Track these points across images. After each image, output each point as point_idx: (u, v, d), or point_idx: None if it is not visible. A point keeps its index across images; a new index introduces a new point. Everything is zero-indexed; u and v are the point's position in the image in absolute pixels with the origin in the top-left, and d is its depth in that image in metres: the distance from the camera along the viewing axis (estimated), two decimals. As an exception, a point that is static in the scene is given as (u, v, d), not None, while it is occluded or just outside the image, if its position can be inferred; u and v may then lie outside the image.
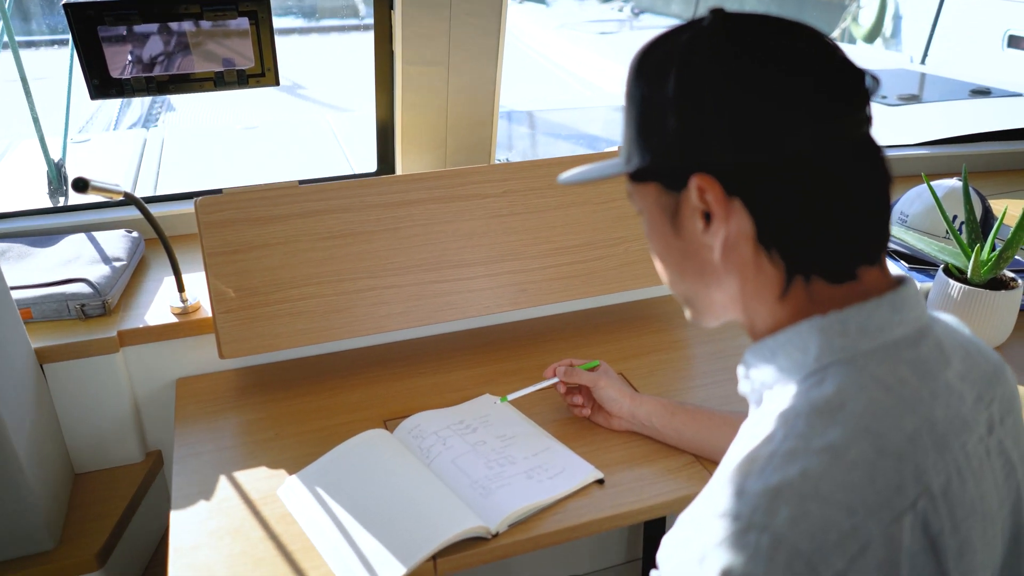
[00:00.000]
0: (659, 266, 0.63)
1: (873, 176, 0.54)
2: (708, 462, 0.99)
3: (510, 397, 1.03)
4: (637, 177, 0.60)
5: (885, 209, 0.55)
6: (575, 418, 1.08)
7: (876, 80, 0.54)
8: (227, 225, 1.07)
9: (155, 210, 1.35)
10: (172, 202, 1.44)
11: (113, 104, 5.16)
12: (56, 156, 1.48)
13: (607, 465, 0.98)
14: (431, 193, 1.16)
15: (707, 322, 0.63)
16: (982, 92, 4.58)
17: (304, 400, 1.13)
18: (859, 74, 0.53)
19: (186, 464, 0.99)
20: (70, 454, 1.15)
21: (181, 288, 1.17)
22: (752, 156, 0.52)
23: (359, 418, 1.09)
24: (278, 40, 1.11)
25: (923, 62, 5.49)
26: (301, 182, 1.11)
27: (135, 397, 1.18)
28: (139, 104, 5.48)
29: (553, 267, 1.23)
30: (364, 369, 1.20)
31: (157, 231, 1.11)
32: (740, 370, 0.61)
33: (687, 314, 0.64)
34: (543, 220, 1.22)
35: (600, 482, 0.95)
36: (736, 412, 0.97)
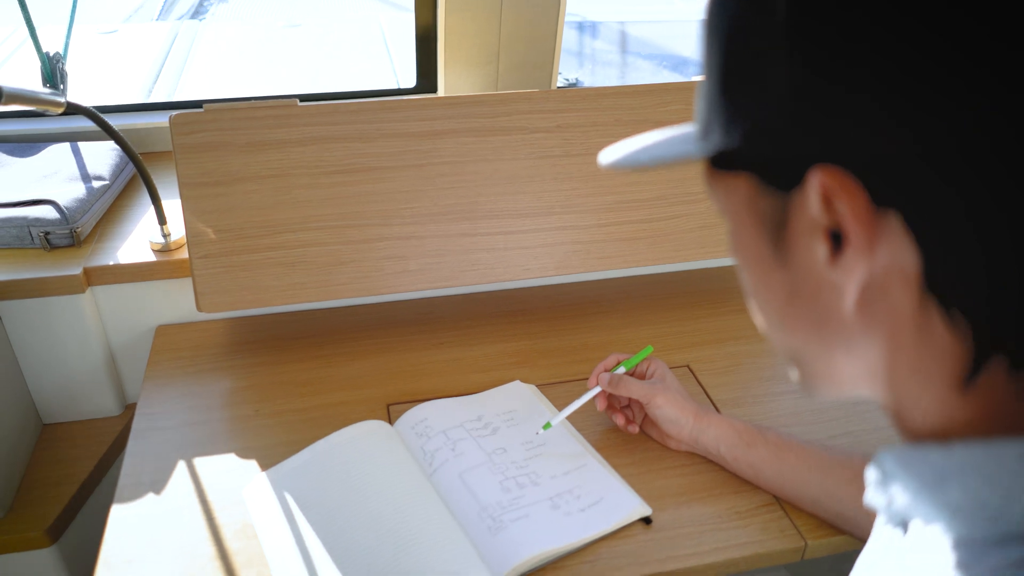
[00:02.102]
0: (753, 303, 0.40)
1: None
2: (793, 508, 0.77)
3: (553, 422, 0.82)
4: (720, 163, 0.37)
5: None
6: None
7: None
8: (208, 149, 0.88)
9: (142, 121, 1.16)
10: (159, 111, 1.24)
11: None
12: (54, 48, 1.28)
13: (657, 496, 0.78)
14: (466, 122, 0.93)
15: (823, 393, 0.40)
16: None
17: (296, 368, 0.95)
18: None
19: (143, 442, 0.83)
20: (36, 403, 1.01)
21: (162, 220, 0.99)
22: (932, 141, 0.29)
23: (358, 398, 0.90)
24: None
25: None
26: (303, 98, 0.90)
27: (109, 344, 1.02)
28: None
29: (614, 225, 1.00)
30: (371, 332, 1.01)
31: (124, 148, 0.93)
32: (872, 474, 0.39)
33: (793, 375, 0.42)
34: (605, 166, 0.98)
35: (647, 521, 0.75)
36: (842, 452, 0.75)
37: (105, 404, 1.04)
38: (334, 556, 0.69)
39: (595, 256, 1.00)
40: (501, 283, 1.08)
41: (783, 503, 0.77)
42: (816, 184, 0.31)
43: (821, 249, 0.33)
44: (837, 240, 0.33)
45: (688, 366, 0.97)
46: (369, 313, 1.05)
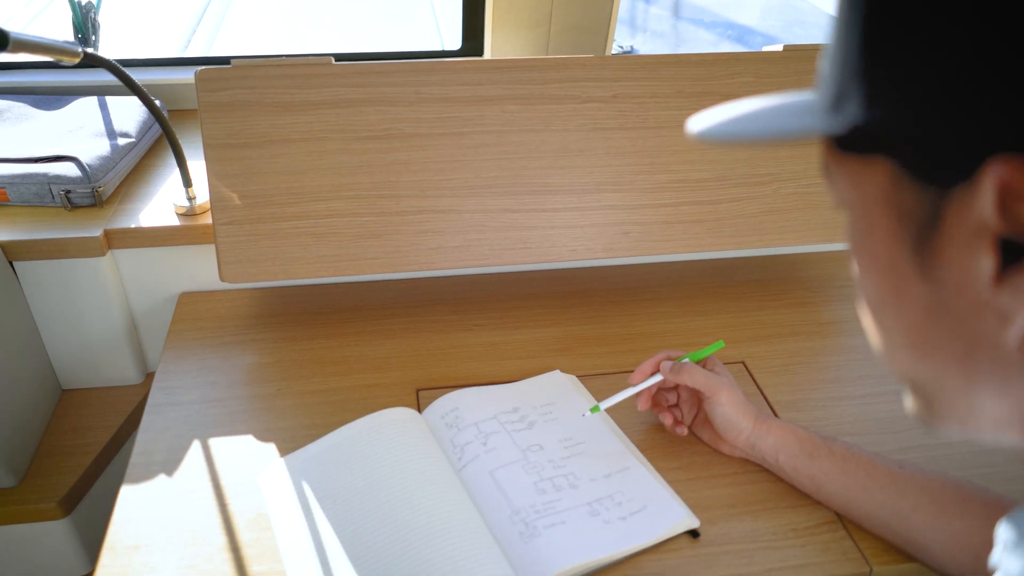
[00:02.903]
0: (868, 318, 0.34)
1: None
2: (857, 528, 0.70)
3: (603, 406, 0.76)
4: (851, 143, 0.30)
5: None
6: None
7: None
8: (235, 109, 0.82)
9: (171, 76, 1.12)
10: (188, 66, 1.19)
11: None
12: (85, -4, 1.23)
13: (706, 506, 0.71)
14: (513, 89, 0.86)
15: (949, 431, 0.33)
16: None
17: (321, 346, 0.90)
18: None
19: (158, 417, 0.79)
20: (55, 367, 0.98)
21: (187, 182, 0.94)
22: None
23: (386, 380, 0.85)
24: None
25: None
26: (339, 58, 0.84)
27: (131, 310, 0.99)
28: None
29: (669, 206, 0.92)
30: (402, 311, 0.96)
31: (145, 101, 0.88)
32: (1006, 533, 0.32)
33: (910, 404, 0.35)
34: (664, 140, 0.91)
35: (694, 534, 0.69)
36: (917, 470, 0.67)
37: (126, 372, 1.01)
38: (351, 554, 0.64)
39: (647, 239, 0.93)
40: (544, 264, 1.02)
41: (846, 522, 0.71)
42: (994, 180, 0.25)
43: (986, 262, 0.26)
44: (1010, 253, 0.26)
45: (743, 363, 0.90)
46: (401, 290, 1.00)
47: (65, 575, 0.94)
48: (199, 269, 0.97)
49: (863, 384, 0.88)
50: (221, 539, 0.67)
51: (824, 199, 0.96)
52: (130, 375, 1.01)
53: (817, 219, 0.97)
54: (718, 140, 0.32)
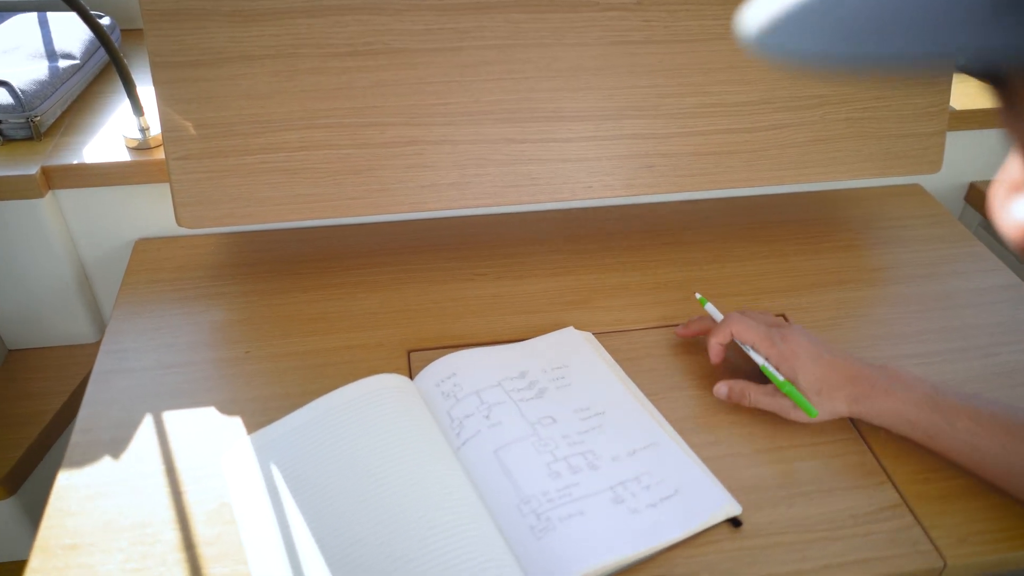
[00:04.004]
0: None
1: None
2: (928, 517, 0.60)
3: (709, 306, 0.73)
4: None
5: None
6: (699, 377, 0.70)
7: None
8: (185, 19, 0.69)
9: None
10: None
11: None
12: None
13: (748, 489, 0.62)
14: (519, -6, 0.73)
15: None
16: None
17: (298, 300, 0.79)
18: None
19: (105, 387, 0.69)
20: (-2, 324, 0.87)
21: (139, 110, 0.82)
22: None
23: (372, 340, 0.75)
24: None
25: None
26: (309, -44, 0.71)
27: (81, 259, 0.88)
28: None
29: (700, 135, 0.80)
30: (391, 259, 0.85)
31: (83, 15, 0.75)
32: None
33: None
34: (695, 57, 0.78)
35: (735, 523, 0.59)
36: None
37: (79, 328, 0.90)
38: (328, 553, 0.54)
39: (674, 173, 0.81)
40: (555, 203, 0.91)
41: (913, 506, 0.61)
42: None
43: None
44: None
45: (784, 316, 0.80)
46: (389, 235, 0.89)
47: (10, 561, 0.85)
48: (157, 212, 0.85)
49: (924, 340, 0.77)
50: (175, 535, 0.57)
51: (879, 127, 0.84)
52: (84, 332, 0.90)
53: (869, 150, 0.85)
54: (799, 57, 0.19)
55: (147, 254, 0.85)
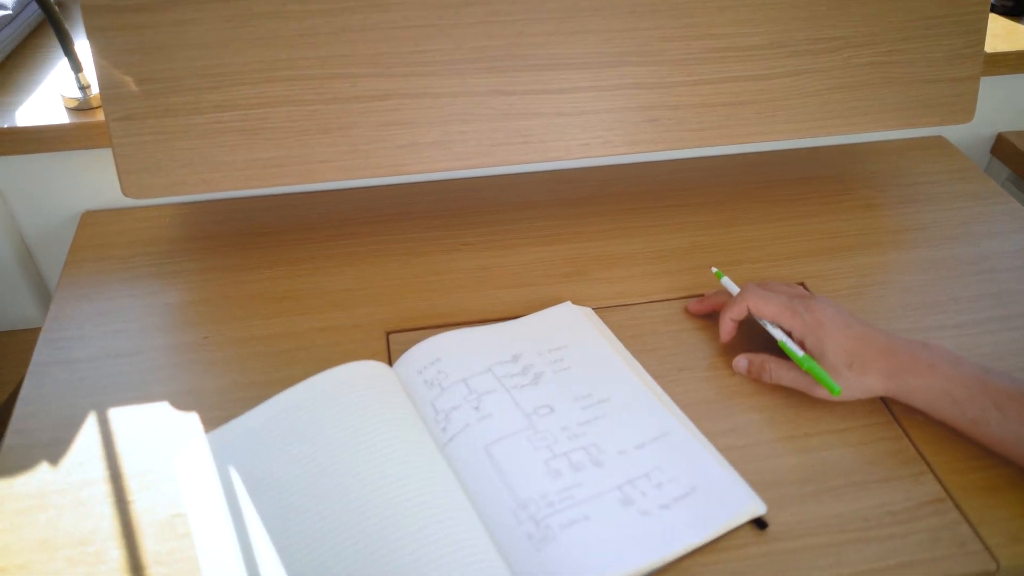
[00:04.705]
0: None
1: None
2: (976, 510, 0.54)
3: (726, 280, 0.67)
4: None
5: None
6: (711, 356, 0.64)
7: None
8: (118, -45, 0.61)
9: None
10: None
11: None
12: None
13: (771, 484, 0.55)
14: (503, -77, 0.65)
15: None
16: None
17: (263, 277, 0.72)
18: None
19: (45, 381, 0.62)
20: (-67, 309, 0.80)
21: (77, 66, 0.73)
22: None
23: (346, 322, 0.68)
24: None
25: None
26: None
27: (21, 234, 0.80)
28: None
29: (709, 83, 0.72)
30: (366, 229, 0.77)
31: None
32: None
33: None
34: (705, -6, 0.70)
35: (760, 524, 0.53)
36: None
37: (22, 311, 0.83)
38: (295, 569, 0.47)
39: (681, 127, 0.73)
40: (549, 164, 0.83)
41: (958, 500, 0.54)
42: None
43: None
44: None
45: (803, 284, 0.73)
46: (364, 202, 0.81)
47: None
48: (103, 181, 0.77)
49: (957, 310, 0.70)
50: (120, 554, 0.50)
51: (906, 71, 0.76)
52: (29, 315, 0.83)
53: (895, 98, 0.77)
54: None
55: (94, 228, 0.77)
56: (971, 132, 0.98)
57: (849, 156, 0.90)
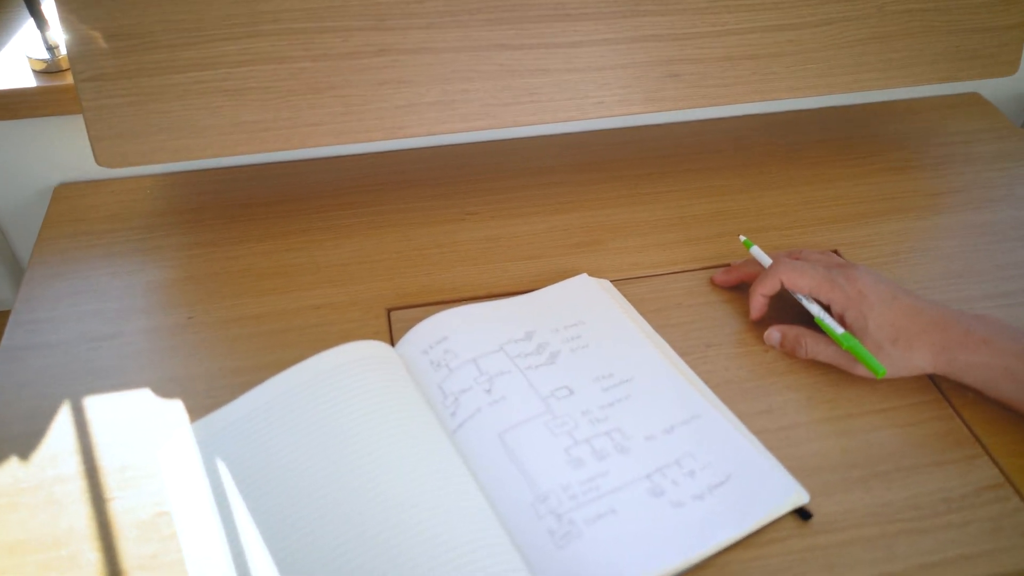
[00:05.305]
0: None
1: None
2: (1043, 499, 0.50)
3: (755, 250, 0.63)
4: None
5: None
6: (741, 331, 0.59)
7: None
8: None
9: None
10: None
11: None
12: None
13: (813, 470, 0.51)
14: None
15: None
16: None
17: (253, 251, 0.67)
18: None
19: (16, 368, 0.57)
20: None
21: (42, 23, 0.68)
22: None
23: (343, 299, 0.63)
24: None
25: None
26: None
27: (-9, 209, 0.75)
28: None
29: (734, 34, 0.67)
30: (364, 199, 0.72)
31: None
32: None
33: None
34: (731, -66, 0.64)
35: (803, 515, 0.48)
36: None
37: (-2, 293, 0.78)
38: (291, 570, 0.43)
39: (705, 83, 0.68)
40: (560, 124, 0.78)
41: (1019, 485, 0.50)
42: None
43: None
44: None
45: (836, 251, 0.68)
46: (361, 169, 0.76)
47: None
48: (77, 150, 0.72)
49: (1003, 277, 0.66)
50: (98, 557, 0.46)
51: (946, 19, 0.71)
52: (2, 297, 0.78)
53: (933, 48, 0.72)
54: None
55: (69, 202, 0.72)
56: (1008, 88, 0.93)
57: (878, 116, 0.85)
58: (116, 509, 0.48)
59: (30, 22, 0.75)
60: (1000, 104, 0.91)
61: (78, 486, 0.49)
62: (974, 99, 0.88)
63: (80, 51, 0.58)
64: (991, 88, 0.90)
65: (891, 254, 0.68)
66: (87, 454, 0.51)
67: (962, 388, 0.55)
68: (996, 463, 0.52)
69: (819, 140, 0.81)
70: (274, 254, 0.67)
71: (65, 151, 0.72)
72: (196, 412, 0.53)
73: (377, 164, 0.77)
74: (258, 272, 0.65)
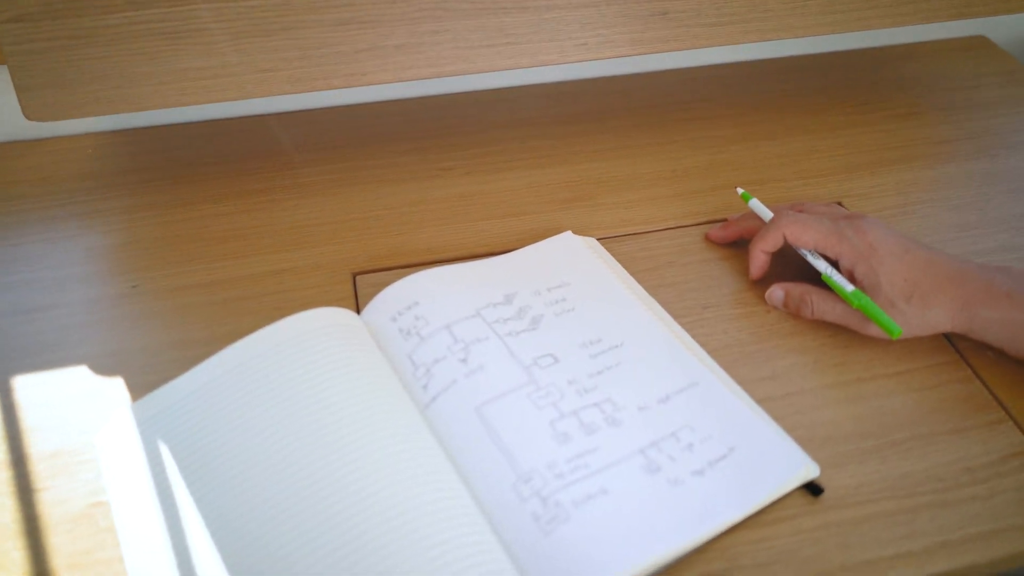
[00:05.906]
0: None
1: None
2: (1075, 467, 0.46)
3: (754, 204, 0.58)
4: None
5: None
6: (741, 290, 0.55)
7: None
8: None
9: None
10: None
11: None
12: None
13: (823, 440, 0.47)
14: None
15: None
16: None
17: (204, 213, 0.62)
18: None
19: (-64, 345, 0.51)
20: None
21: (-38, -38, 0.61)
22: None
23: (304, 262, 0.58)
24: None
25: None
26: None
27: (-84, 173, 0.68)
28: None
29: (729, -33, 0.62)
30: (326, 154, 0.67)
31: None
32: None
33: None
34: None
35: (813, 490, 0.44)
36: None
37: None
38: (241, 567, 0.38)
39: (696, 22, 0.63)
40: (539, 70, 0.73)
41: (1047, 452, 0.46)
42: None
43: None
44: None
45: (840, 203, 0.64)
46: (323, 122, 0.71)
47: None
48: (5, 106, 0.66)
49: (1020, 228, 0.62)
50: (24, 556, 0.41)
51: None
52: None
53: (944, -17, 0.67)
54: None
55: (0, 163, 0.66)
56: (1016, 31, 0.88)
57: (880, 60, 0.81)
58: (46, 500, 0.43)
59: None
60: (1008, 47, 0.87)
61: (3, 476, 0.44)
62: (981, 42, 0.84)
63: (-2, -12, 0.52)
64: (998, 30, 0.86)
65: (899, 205, 0.64)
66: (14, 440, 0.46)
67: (982, 347, 0.51)
68: (1021, 428, 0.48)
69: (819, 87, 0.76)
70: (229, 216, 0.61)
71: (-4, 106, 0.66)
72: (138, 390, 0.48)
73: (343, 117, 0.71)
74: (211, 236, 0.60)
